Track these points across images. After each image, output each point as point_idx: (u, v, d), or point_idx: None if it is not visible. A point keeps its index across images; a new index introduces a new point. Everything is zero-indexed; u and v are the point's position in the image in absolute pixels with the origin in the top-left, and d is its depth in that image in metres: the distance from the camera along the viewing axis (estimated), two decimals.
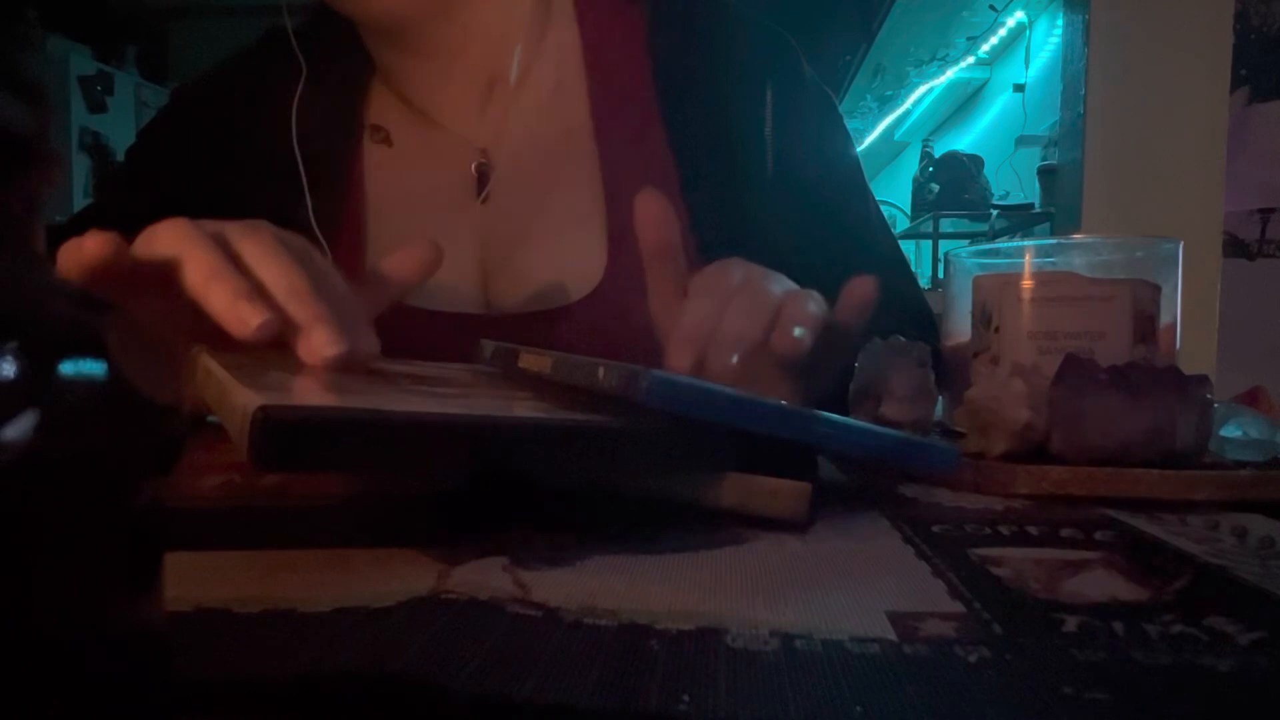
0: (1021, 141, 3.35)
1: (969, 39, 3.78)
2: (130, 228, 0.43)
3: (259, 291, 0.40)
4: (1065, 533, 0.33)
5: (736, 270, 0.47)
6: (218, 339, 0.39)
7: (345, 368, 0.40)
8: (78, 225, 0.71)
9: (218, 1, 3.98)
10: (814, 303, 0.46)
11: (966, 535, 0.32)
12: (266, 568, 0.26)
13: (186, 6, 4.36)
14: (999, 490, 0.40)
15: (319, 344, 0.39)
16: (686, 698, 0.18)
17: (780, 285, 0.47)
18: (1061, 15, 2.47)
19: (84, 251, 0.39)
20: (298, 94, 0.67)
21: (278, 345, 0.40)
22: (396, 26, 0.65)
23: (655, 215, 0.50)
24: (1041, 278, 0.49)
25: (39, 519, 0.13)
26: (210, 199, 0.45)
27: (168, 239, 0.41)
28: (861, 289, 0.49)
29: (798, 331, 0.43)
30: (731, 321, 0.43)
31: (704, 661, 0.20)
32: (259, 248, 0.42)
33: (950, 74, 4.08)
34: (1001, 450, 0.42)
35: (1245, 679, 0.20)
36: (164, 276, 0.40)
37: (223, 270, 0.39)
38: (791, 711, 0.18)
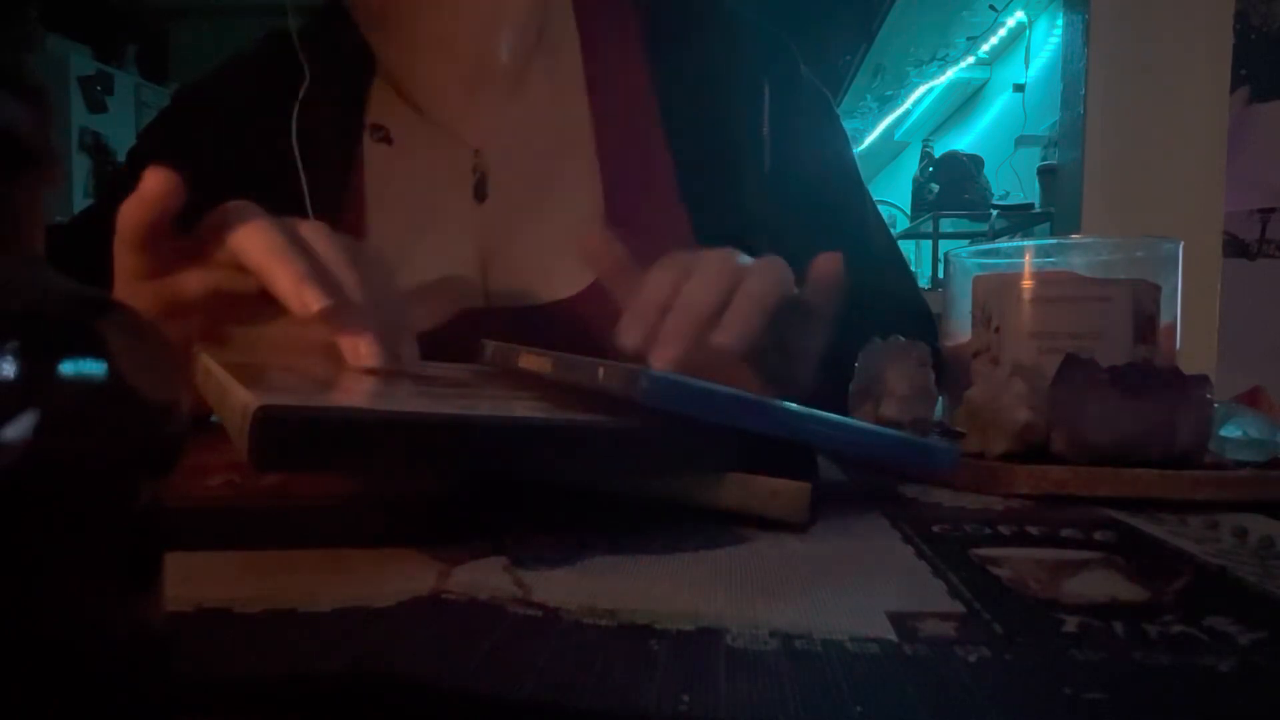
0: (1021, 141, 3.35)
1: (969, 39, 3.78)
2: None
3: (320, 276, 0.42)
4: (1065, 533, 0.33)
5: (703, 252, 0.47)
6: (224, 338, 0.40)
7: (383, 372, 0.42)
8: (78, 225, 0.71)
9: (218, 1, 3.98)
10: (779, 271, 0.45)
11: (966, 535, 0.32)
12: (266, 568, 0.26)
13: (186, 6, 4.36)
14: (999, 490, 0.40)
15: (365, 350, 0.42)
16: (686, 698, 0.18)
17: (746, 260, 0.47)
18: (1061, 15, 2.47)
19: (143, 190, 0.41)
20: (300, 97, 0.67)
21: (297, 344, 0.42)
22: (386, 8, 0.65)
23: (597, 249, 0.51)
24: (1041, 278, 0.49)
25: (39, 519, 0.13)
26: (212, 200, 0.45)
27: (237, 216, 0.42)
28: (826, 265, 0.49)
29: (737, 331, 0.43)
30: (689, 293, 0.43)
31: (704, 661, 0.20)
32: (322, 239, 0.44)
33: (950, 74, 4.07)
34: (1001, 450, 0.42)
35: (1245, 679, 0.20)
36: (226, 250, 0.42)
37: (288, 251, 0.41)
38: (791, 711, 0.18)
